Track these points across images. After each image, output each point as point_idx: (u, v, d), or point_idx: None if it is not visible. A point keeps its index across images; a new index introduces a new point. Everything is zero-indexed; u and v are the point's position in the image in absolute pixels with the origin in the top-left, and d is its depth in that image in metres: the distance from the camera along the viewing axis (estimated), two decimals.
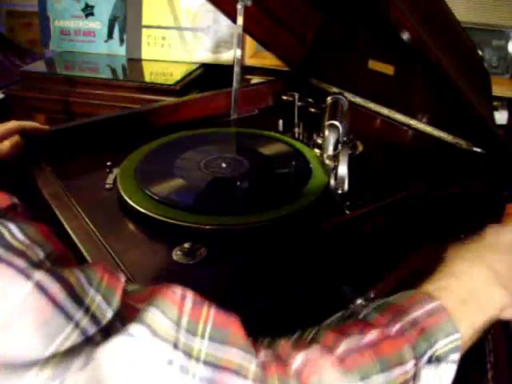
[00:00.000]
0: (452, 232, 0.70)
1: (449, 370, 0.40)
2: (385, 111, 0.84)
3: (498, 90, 1.22)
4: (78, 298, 0.30)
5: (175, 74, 1.50)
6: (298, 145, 0.77)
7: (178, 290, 0.34)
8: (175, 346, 0.31)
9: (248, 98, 0.89)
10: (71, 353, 0.29)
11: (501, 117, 1.25)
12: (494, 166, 0.73)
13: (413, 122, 0.79)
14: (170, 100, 1.06)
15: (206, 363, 0.32)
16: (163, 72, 1.56)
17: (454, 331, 0.41)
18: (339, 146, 0.67)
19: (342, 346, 0.37)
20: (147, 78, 1.50)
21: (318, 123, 0.77)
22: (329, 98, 0.76)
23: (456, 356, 0.41)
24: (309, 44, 0.94)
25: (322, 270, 0.55)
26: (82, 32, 1.67)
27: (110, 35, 1.65)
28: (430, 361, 0.39)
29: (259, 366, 0.34)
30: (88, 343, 0.29)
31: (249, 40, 1.48)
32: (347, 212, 0.61)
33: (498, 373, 0.70)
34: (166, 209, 0.59)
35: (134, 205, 0.60)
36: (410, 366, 0.38)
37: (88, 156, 0.73)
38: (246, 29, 0.84)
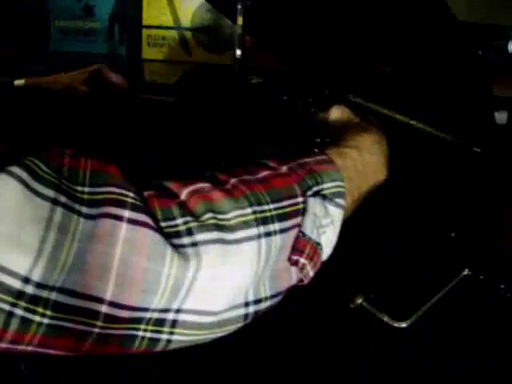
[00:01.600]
0: (450, 231, 0.70)
1: (337, 212, 0.42)
2: (385, 111, 0.84)
3: (498, 90, 1.22)
4: None
5: (175, 74, 1.50)
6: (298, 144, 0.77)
7: (56, 148, 0.35)
8: (58, 189, 0.32)
9: (247, 98, 0.89)
10: None
11: (501, 117, 1.25)
12: (493, 166, 0.73)
13: (413, 122, 0.79)
14: (170, 100, 1.06)
15: (88, 203, 0.33)
16: (163, 72, 1.56)
17: (339, 180, 0.43)
18: None
19: (233, 181, 0.39)
20: (147, 78, 1.50)
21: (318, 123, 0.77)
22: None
23: (342, 201, 0.42)
24: (308, 44, 0.94)
25: None
26: (82, 32, 1.67)
27: (110, 35, 1.65)
28: (315, 195, 0.41)
29: (140, 198, 0.35)
30: None
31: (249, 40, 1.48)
32: None
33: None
34: None
35: None
36: (300, 199, 0.40)
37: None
38: (246, 29, 0.84)
